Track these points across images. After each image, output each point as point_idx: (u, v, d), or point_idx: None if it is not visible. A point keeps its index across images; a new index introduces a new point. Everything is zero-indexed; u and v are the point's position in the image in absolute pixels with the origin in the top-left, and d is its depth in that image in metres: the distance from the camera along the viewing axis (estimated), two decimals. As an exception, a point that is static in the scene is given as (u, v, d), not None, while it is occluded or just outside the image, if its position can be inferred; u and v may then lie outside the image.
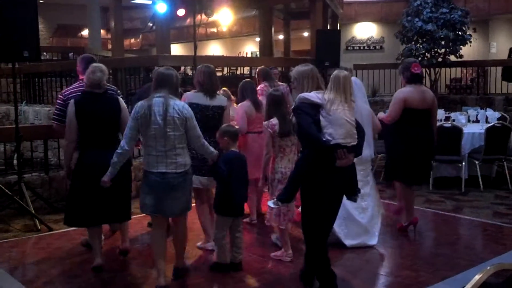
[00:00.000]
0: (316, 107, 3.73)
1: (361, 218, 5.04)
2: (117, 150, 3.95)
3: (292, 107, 3.88)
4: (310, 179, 3.72)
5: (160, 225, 4.16)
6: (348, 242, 4.98)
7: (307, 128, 3.68)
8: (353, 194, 3.91)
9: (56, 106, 4.99)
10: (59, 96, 4.99)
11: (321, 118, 3.69)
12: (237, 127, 5.34)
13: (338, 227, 4.90)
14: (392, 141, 5.59)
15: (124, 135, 3.96)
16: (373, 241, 5.07)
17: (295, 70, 4.05)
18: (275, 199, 3.95)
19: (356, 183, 3.91)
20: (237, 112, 5.58)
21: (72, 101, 4.39)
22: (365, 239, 5.05)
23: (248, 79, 6.52)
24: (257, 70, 7.63)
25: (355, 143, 3.74)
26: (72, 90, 4.93)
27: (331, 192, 3.75)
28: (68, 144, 4.37)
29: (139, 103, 3.96)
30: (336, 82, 3.79)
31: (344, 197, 3.92)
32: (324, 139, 3.63)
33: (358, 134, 3.81)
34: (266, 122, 4.65)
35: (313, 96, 3.77)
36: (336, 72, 3.88)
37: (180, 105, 4.01)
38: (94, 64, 4.56)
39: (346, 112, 3.73)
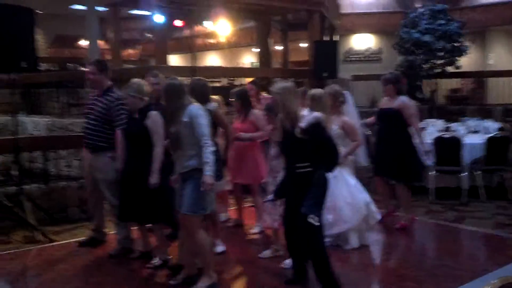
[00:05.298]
0: None
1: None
2: (209, 150, 4.02)
3: (312, 125, 3.89)
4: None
5: None
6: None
7: (334, 145, 3.99)
8: None
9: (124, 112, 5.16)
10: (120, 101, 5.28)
11: None
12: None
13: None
14: (408, 145, 5.93)
15: (207, 138, 4.07)
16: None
17: (279, 86, 4.11)
18: (315, 217, 3.84)
19: None
20: (261, 118, 5.55)
21: (156, 113, 4.65)
22: None
23: (243, 87, 6.51)
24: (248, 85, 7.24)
25: None
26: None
27: None
28: (161, 150, 4.57)
29: (201, 108, 4.20)
30: (321, 101, 4.16)
31: None
32: None
33: None
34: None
35: (321, 116, 3.95)
36: (317, 91, 4.31)
37: None
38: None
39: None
